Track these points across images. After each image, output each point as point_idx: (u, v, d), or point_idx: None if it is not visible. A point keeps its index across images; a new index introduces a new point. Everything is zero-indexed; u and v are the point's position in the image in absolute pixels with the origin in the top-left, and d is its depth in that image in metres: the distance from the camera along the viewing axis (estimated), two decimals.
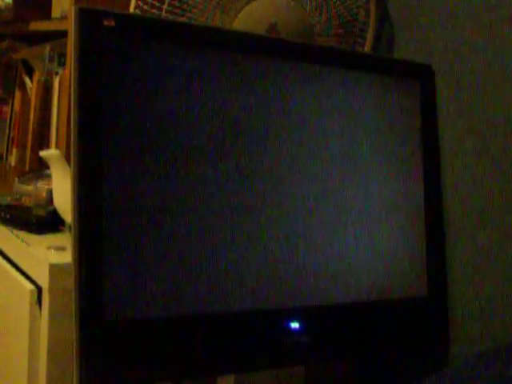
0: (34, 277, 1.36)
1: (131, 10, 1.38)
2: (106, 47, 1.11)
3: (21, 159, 2.25)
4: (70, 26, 1.68)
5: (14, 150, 2.33)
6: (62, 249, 1.37)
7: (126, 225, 1.10)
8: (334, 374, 1.54)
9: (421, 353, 1.51)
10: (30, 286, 1.35)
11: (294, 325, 1.24)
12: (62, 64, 1.95)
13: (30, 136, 2.12)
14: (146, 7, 1.37)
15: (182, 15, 1.39)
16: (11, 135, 2.38)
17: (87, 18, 1.11)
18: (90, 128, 1.09)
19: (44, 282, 1.31)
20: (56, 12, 1.91)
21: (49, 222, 1.51)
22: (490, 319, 1.37)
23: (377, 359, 1.59)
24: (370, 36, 1.57)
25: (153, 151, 1.13)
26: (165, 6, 1.37)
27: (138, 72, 1.13)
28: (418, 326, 1.40)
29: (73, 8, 1.11)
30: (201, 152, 1.17)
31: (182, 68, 1.17)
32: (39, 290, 1.33)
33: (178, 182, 1.15)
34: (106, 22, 1.12)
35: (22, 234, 1.48)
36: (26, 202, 1.63)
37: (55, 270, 1.29)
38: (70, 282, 1.08)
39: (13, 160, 2.34)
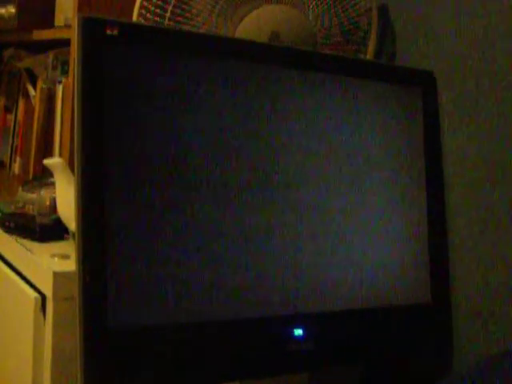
0: (37, 285, 1.37)
1: (134, 18, 1.39)
2: (109, 56, 1.12)
3: (24, 167, 2.25)
4: (74, 35, 1.69)
5: (18, 159, 2.33)
6: (65, 257, 1.37)
7: (129, 232, 1.10)
8: (338, 380, 1.54)
9: (425, 359, 1.51)
10: (33, 294, 1.35)
11: (298, 331, 1.24)
12: (65, 72, 1.96)
13: (33, 144, 2.12)
14: (148, 15, 1.38)
15: (185, 23, 1.40)
16: (15, 143, 2.39)
17: (90, 27, 1.11)
18: (94, 136, 1.10)
19: (48, 290, 1.31)
20: (59, 20, 1.91)
21: (52, 231, 1.51)
22: (494, 325, 1.37)
23: (381, 366, 1.59)
24: (371, 43, 1.57)
25: (156, 159, 1.13)
26: (168, 15, 1.38)
27: (140, 80, 1.14)
28: (422, 333, 1.40)
29: (76, 17, 1.11)
30: (206, 160, 1.17)
31: (185, 76, 1.18)
32: (43, 297, 1.33)
33: (181, 191, 1.15)
34: (109, 31, 1.13)
35: (26, 242, 1.49)
36: (30, 210, 1.63)
37: (59, 277, 1.29)
38: (74, 290, 1.08)
39: (16, 168, 2.34)
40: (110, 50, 1.12)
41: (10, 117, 2.46)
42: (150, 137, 1.13)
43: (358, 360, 1.38)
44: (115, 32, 1.13)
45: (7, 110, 2.50)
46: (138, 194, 1.12)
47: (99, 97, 1.10)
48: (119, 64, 1.12)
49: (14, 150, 2.40)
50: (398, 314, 1.37)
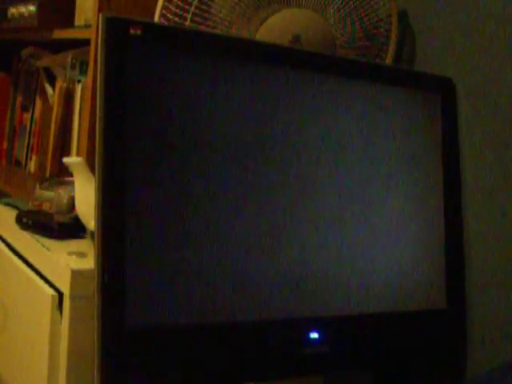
0: (55, 282, 1.37)
1: (156, 18, 1.39)
2: (132, 55, 1.12)
3: (40, 166, 2.26)
4: (94, 35, 1.70)
5: (34, 157, 2.34)
6: (83, 255, 1.38)
7: (148, 232, 1.11)
8: (352, 382, 1.54)
9: (439, 365, 1.51)
10: (51, 292, 1.35)
11: (314, 335, 1.24)
12: (83, 72, 1.97)
13: (50, 143, 2.14)
14: (170, 16, 1.38)
15: (206, 25, 1.40)
16: (31, 142, 2.40)
17: (114, 27, 1.12)
18: (115, 136, 1.10)
19: (65, 287, 1.31)
20: (80, 20, 1.92)
21: (70, 229, 1.52)
22: (509, 332, 1.37)
23: (395, 370, 1.59)
24: (391, 49, 1.57)
25: (177, 158, 1.14)
26: (189, 16, 1.38)
27: (163, 80, 1.14)
28: (437, 339, 1.40)
29: (100, 16, 1.12)
30: (224, 160, 1.18)
31: (207, 77, 1.18)
32: (60, 295, 1.34)
33: (199, 189, 1.15)
34: (132, 31, 1.13)
35: (43, 240, 1.49)
36: (47, 208, 1.64)
37: (77, 275, 1.30)
38: (91, 288, 1.09)
39: (32, 166, 2.35)
40: (133, 49, 1.13)
41: (27, 115, 2.47)
42: (171, 136, 1.14)
43: (372, 364, 1.38)
44: (138, 32, 1.14)
45: (24, 108, 2.51)
46: (157, 193, 1.12)
47: (121, 96, 1.11)
48: (142, 64, 1.13)
49: (30, 148, 2.41)
50: (413, 319, 1.37)
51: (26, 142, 2.43)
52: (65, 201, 1.58)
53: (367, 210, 1.32)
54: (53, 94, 2.20)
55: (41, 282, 1.41)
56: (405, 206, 1.36)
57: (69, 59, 2.03)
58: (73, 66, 2.01)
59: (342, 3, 1.49)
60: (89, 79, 1.75)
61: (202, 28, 1.39)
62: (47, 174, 2.14)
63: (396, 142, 1.37)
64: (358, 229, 1.30)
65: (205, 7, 1.40)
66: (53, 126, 2.13)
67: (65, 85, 2.07)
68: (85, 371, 1.31)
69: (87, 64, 1.85)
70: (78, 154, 1.89)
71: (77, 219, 1.47)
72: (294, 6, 1.44)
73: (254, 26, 1.43)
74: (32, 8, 2.01)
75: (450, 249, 1.42)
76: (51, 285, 1.38)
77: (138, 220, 1.11)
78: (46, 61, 2.25)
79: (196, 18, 1.40)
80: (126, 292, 1.09)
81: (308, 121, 1.27)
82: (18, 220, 1.58)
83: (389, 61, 1.57)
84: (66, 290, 1.31)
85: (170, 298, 1.12)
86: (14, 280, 1.55)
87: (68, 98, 2.05)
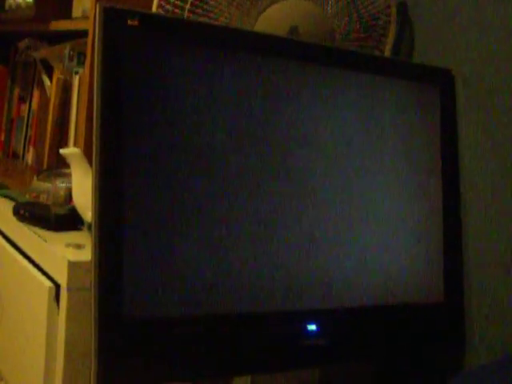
0: (52, 274, 1.37)
1: (153, 9, 1.39)
2: (130, 46, 1.12)
3: (38, 158, 2.26)
4: (91, 26, 1.70)
5: (31, 149, 2.34)
6: (80, 246, 1.38)
7: (146, 223, 1.11)
8: (349, 376, 1.54)
9: (436, 359, 1.51)
10: (48, 283, 1.35)
11: (311, 327, 1.24)
12: (81, 63, 1.96)
13: (48, 135, 2.13)
14: (168, 7, 1.38)
15: (204, 15, 1.40)
16: (28, 134, 2.40)
17: (112, 17, 1.11)
18: (112, 127, 1.10)
19: (62, 279, 1.31)
20: (77, 11, 1.91)
21: (67, 220, 1.51)
22: (506, 325, 1.37)
23: (393, 364, 1.59)
24: (390, 40, 1.57)
25: (174, 150, 1.14)
26: (187, 6, 1.38)
27: (160, 71, 1.14)
28: (434, 332, 1.40)
29: (97, 7, 1.11)
30: (221, 153, 1.17)
31: (204, 68, 1.18)
32: (57, 287, 1.33)
33: (197, 182, 1.15)
34: (129, 22, 1.13)
35: (40, 232, 1.49)
36: (44, 199, 1.63)
37: (74, 267, 1.29)
38: (89, 280, 1.09)
39: (29, 158, 2.35)
40: (130, 40, 1.12)
41: (24, 107, 2.47)
42: (168, 127, 1.13)
43: (371, 357, 1.38)
44: (136, 23, 1.13)
45: (21, 99, 2.51)
46: (155, 184, 1.12)
47: (119, 87, 1.10)
48: (140, 54, 1.12)
49: (27, 140, 2.41)
50: (411, 312, 1.37)
51: (24, 133, 2.43)
52: (62, 192, 1.58)
53: (365, 203, 1.31)
54: (50, 85, 2.19)
55: (38, 274, 1.41)
56: (403, 199, 1.36)
57: (66, 51, 2.02)
58: (70, 58, 2.00)
59: None
60: (86, 70, 1.75)
61: (200, 19, 1.39)
62: (44, 166, 2.14)
63: (394, 135, 1.36)
64: (355, 222, 1.30)
65: None
66: (50, 117, 2.12)
67: (62, 76, 2.06)
68: (82, 363, 1.30)
69: (85, 55, 1.84)
70: (75, 146, 1.89)
71: (74, 211, 1.47)
72: None
73: (252, 17, 1.43)
74: None
75: (449, 242, 1.42)
76: (48, 276, 1.38)
77: (135, 211, 1.10)
78: (43, 52, 2.25)
79: (194, 9, 1.39)
80: (123, 284, 1.08)
81: (306, 112, 1.26)
82: (15, 212, 1.57)
83: (387, 53, 1.57)
84: (63, 281, 1.31)
85: (168, 289, 1.12)
86: (11, 272, 1.55)
87: (65, 89, 2.05)
